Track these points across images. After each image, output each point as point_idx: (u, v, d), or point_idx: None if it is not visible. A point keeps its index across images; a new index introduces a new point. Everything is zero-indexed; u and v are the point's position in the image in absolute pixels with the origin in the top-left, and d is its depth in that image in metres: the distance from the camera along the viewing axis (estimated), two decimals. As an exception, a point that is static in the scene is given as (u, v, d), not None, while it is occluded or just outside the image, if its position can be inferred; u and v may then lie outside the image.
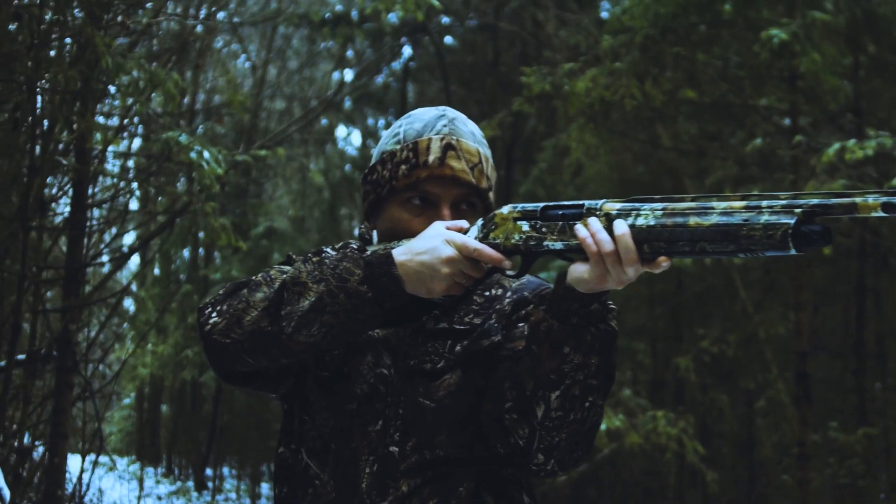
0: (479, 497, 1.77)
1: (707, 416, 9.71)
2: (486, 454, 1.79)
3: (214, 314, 1.76)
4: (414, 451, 1.76)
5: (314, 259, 1.74)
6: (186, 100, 10.25)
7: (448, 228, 1.73)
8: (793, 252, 1.45)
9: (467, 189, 1.83)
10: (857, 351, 8.16)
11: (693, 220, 1.51)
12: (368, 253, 1.74)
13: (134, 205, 10.04)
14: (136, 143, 10.22)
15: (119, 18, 5.27)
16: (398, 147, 1.85)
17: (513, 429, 1.70)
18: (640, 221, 1.55)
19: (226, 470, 16.10)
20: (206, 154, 5.34)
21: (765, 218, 1.45)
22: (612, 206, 1.60)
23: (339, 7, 12.52)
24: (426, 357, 1.82)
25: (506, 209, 1.73)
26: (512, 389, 1.70)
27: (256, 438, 14.68)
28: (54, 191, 7.01)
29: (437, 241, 1.69)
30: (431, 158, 1.80)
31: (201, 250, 14.12)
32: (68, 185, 6.92)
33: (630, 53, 6.28)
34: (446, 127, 1.84)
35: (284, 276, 1.74)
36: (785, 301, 8.61)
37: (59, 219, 7.13)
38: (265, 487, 14.92)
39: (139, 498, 10.51)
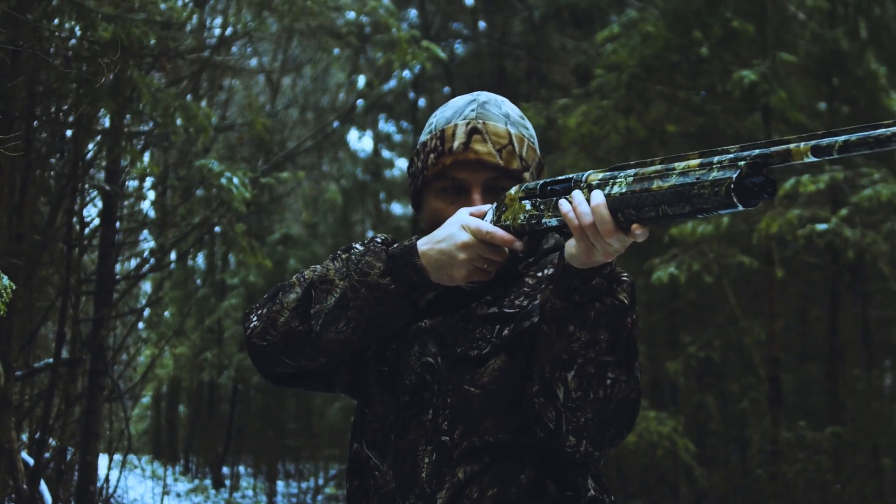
0: (541, 485, 1.71)
1: (698, 416, 10.14)
2: (536, 440, 1.71)
3: (255, 318, 1.77)
4: (462, 439, 1.71)
5: (342, 256, 1.73)
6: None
7: (472, 214, 1.68)
8: (740, 208, 1.37)
9: (496, 172, 1.76)
10: (831, 356, 8.62)
11: (656, 184, 1.43)
12: (395, 245, 1.71)
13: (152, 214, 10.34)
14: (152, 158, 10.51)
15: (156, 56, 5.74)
16: (429, 136, 1.81)
17: (542, 412, 1.63)
18: (615, 190, 1.47)
19: (241, 468, 16.25)
20: (235, 179, 5.78)
21: (713, 174, 1.38)
22: (595, 177, 1.53)
23: (350, 14, 12.88)
24: (473, 343, 1.76)
25: (513, 189, 1.68)
26: (537, 373, 1.64)
27: (272, 438, 14.86)
28: (85, 207, 7.40)
29: (454, 228, 1.65)
30: (456, 144, 1.76)
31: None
32: (96, 200, 7.34)
33: (617, 90, 6.67)
34: (474, 112, 1.79)
35: (315, 275, 1.73)
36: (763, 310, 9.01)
37: (87, 230, 7.51)
38: (280, 485, 15.09)
39: (163, 495, 10.79)
